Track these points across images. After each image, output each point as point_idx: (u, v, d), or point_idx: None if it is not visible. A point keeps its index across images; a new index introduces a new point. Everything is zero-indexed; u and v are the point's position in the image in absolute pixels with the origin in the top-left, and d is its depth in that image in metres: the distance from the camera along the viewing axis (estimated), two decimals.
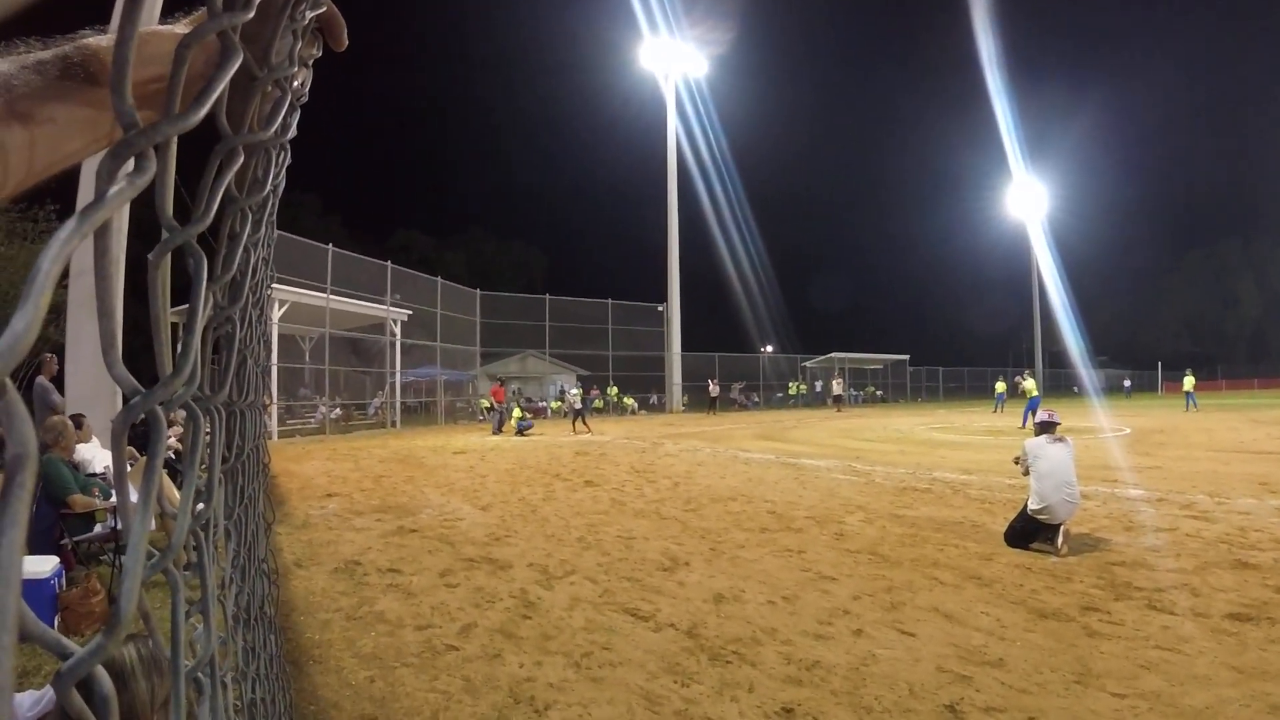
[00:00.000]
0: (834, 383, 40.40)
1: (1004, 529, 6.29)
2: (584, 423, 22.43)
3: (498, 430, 21.57)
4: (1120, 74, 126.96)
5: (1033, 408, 21.14)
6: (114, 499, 5.62)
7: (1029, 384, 22.27)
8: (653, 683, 3.56)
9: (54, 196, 17.04)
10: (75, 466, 5.92)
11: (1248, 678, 3.45)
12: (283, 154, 0.89)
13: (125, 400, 0.41)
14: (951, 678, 3.52)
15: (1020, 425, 20.89)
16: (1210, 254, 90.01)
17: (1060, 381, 71.11)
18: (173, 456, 6.94)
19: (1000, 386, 31.76)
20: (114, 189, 0.35)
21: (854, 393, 47.79)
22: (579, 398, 23.89)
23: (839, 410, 37.38)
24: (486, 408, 29.09)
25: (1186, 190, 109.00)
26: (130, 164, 0.38)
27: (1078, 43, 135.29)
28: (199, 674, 0.67)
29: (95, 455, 6.70)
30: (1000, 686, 3.41)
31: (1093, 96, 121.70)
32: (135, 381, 0.41)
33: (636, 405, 36.95)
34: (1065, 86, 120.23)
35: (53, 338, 12.02)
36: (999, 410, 31.01)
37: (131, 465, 5.26)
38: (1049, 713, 3.13)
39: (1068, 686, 3.40)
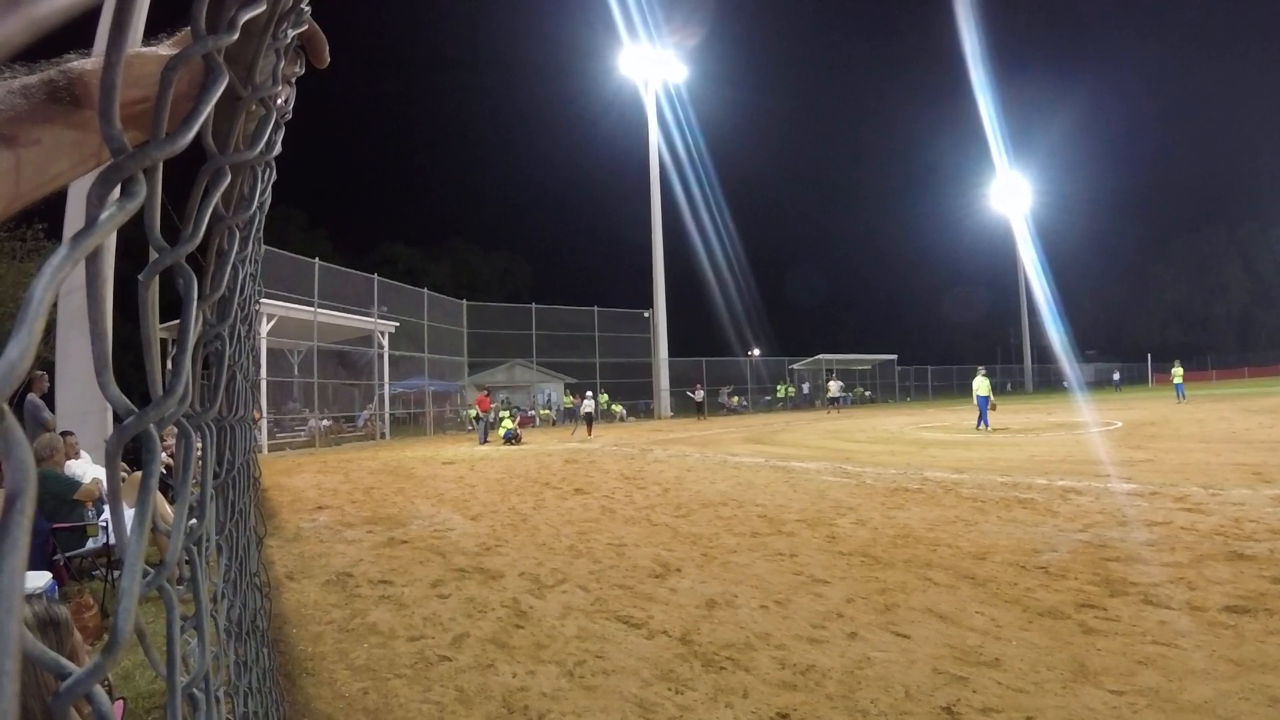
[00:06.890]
0: (831, 384, 39.55)
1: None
2: (588, 428, 22.44)
3: (484, 440, 21.52)
4: (1100, 66, 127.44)
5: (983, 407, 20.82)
6: (106, 515, 5.62)
7: (980, 383, 21.26)
8: (646, 690, 3.55)
9: (43, 216, 17.01)
10: None
11: (1246, 670, 3.44)
12: (268, 171, 0.89)
13: (117, 419, 0.41)
14: (948, 679, 3.52)
15: (976, 426, 20.51)
16: (1196, 242, 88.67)
17: (1049, 377, 71.45)
18: (164, 472, 6.91)
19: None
20: (104, 214, 0.35)
21: (844, 394, 47.86)
22: (591, 403, 23.94)
23: (832, 412, 37.23)
24: (474, 417, 29.10)
25: (1170, 179, 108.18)
26: (119, 188, 0.38)
27: (1058, 36, 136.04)
28: (194, 689, 0.68)
29: (85, 471, 6.66)
30: (997, 687, 3.41)
31: (1074, 89, 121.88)
32: (129, 402, 0.42)
33: (625, 412, 36.89)
34: (1046, 80, 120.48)
35: (42, 354, 11.95)
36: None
37: (123, 480, 5.20)
38: (1046, 712, 3.13)
39: (1065, 685, 3.40)
